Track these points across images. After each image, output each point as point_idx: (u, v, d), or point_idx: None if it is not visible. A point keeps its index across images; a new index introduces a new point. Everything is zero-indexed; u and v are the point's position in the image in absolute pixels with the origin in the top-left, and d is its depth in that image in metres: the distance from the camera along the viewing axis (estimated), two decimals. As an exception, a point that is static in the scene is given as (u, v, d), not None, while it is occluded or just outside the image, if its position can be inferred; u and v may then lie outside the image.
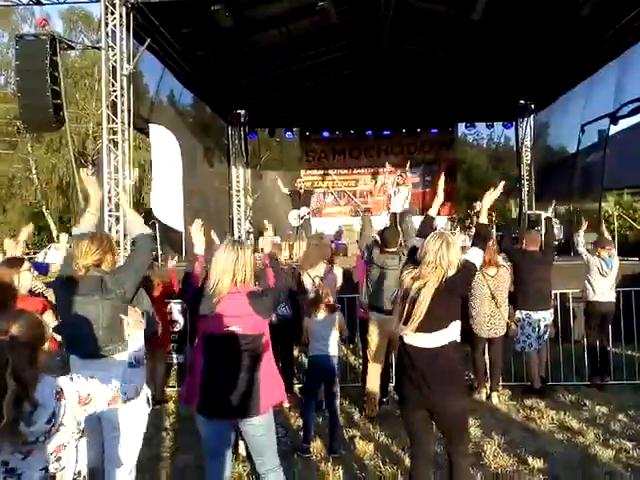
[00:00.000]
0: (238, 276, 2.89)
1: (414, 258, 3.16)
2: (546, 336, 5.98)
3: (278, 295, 3.10)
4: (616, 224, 12.49)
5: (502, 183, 3.51)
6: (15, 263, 3.78)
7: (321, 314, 4.63)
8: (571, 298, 6.92)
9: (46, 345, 1.94)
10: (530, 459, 4.15)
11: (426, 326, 2.94)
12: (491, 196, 3.37)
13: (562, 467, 4.05)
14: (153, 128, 9.79)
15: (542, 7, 9.25)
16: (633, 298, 6.47)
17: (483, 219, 3.34)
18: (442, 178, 3.67)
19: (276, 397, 3.04)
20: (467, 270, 3.07)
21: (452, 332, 3.01)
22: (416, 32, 12.01)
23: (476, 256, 3.12)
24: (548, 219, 6.68)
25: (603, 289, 6.18)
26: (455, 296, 3.07)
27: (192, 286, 3.06)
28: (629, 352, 6.56)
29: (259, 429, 2.95)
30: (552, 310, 6.05)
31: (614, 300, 6.26)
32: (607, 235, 6.79)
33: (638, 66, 10.34)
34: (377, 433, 4.80)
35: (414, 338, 3.00)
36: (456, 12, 10.10)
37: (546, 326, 5.93)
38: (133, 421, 2.93)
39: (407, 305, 2.98)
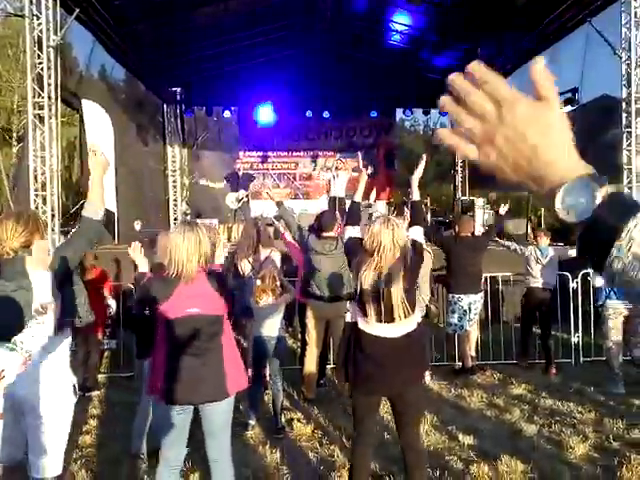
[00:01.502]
0: (202, 258, 2.86)
1: (358, 248, 3.12)
2: (476, 318, 6.21)
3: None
4: (543, 210, 13.07)
5: (424, 157, 3.55)
6: None
7: (268, 299, 4.59)
8: (500, 281, 7.22)
9: None
10: (460, 436, 4.32)
11: (393, 316, 2.92)
12: (418, 172, 3.43)
13: (491, 443, 4.23)
14: (86, 104, 9.34)
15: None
16: (557, 282, 6.81)
17: (416, 196, 3.40)
18: (361, 163, 3.80)
19: (241, 381, 3.01)
20: (419, 249, 3.11)
21: (417, 318, 3.04)
22: (357, 15, 12.03)
23: (419, 233, 3.19)
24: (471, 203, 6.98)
25: (541, 276, 6.41)
26: (415, 279, 3.06)
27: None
28: (554, 333, 6.90)
29: (221, 413, 2.93)
30: (482, 293, 6.28)
31: (552, 287, 6.46)
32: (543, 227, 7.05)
33: (568, 58, 10.79)
34: (315, 415, 4.85)
35: (379, 328, 2.95)
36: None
37: (476, 309, 6.16)
38: (58, 409, 2.80)
39: (374, 299, 2.91)
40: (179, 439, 2.96)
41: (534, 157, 0.69)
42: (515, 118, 0.70)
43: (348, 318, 3.03)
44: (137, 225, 5.96)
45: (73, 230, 3.24)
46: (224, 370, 2.87)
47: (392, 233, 2.90)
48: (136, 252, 3.24)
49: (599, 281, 5.58)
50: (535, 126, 0.69)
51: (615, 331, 5.55)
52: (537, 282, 6.41)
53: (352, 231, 3.26)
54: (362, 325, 2.99)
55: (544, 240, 6.44)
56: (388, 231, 2.91)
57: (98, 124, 9.51)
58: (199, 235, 2.87)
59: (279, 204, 5.53)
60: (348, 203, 3.59)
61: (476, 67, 0.73)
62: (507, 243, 6.77)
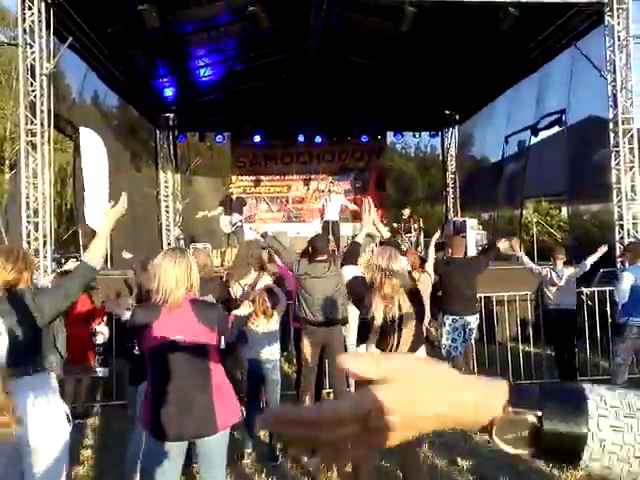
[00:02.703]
0: (190, 285, 2.80)
1: (361, 285, 3.13)
2: (472, 339, 6.20)
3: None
4: (535, 230, 13.17)
5: (369, 199, 3.63)
6: None
7: (261, 322, 4.57)
8: (495, 301, 7.22)
9: None
10: (460, 460, 4.27)
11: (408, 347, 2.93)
12: (372, 214, 3.53)
13: (490, 466, 4.19)
14: (83, 132, 9.38)
15: (465, 21, 9.65)
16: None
17: (384, 233, 3.59)
18: (367, 205, 3.69)
19: (232, 415, 2.87)
20: (411, 278, 3.14)
21: (423, 350, 3.06)
22: (347, 41, 12.21)
23: (403, 264, 3.21)
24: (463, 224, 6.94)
25: (558, 298, 6.39)
26: (419, 310, 3.06)
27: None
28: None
29: (214, 445, 2.82)
30: (477, 315, 6.27)
31: (571, 307, 6.44)
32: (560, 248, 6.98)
33: (556, 80, 11.00)
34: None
35: None
36: (386, 23, 10.35)
37: (471, 330, 6.15)
38: (54, 441, 2.75)
39: (387, 331, 2.92)
40: (171, 472, 2.85)
41: (445, 420, 0.63)
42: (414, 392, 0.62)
43: (350, 342, 2.98)
44: (126, 255, 5.93)
45: (67, 273, 3.19)
46: (213, 403, 2.74)
47: (387, 261, 2.95)
48: (112, 306, 3.18)
49: (623, 299, 5.52)
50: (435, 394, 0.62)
51: (628, 349, 5.51)
52: (555, 304, 6.40)
53: (354, 270, 3.26)
54: None
55: (560, 261, 6.45)
56: (383, 259, 2.96)
57: (95, 152, 9.55)
58: (189, 261, 2.82)
59: (264, 235, 5.46)
60: (344, 226, 3.61)
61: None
62: (526, 261, 6.70)
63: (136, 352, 3.47)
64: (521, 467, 4.17)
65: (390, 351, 2.91)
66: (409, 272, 3.19)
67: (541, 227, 14.70)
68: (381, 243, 3.48)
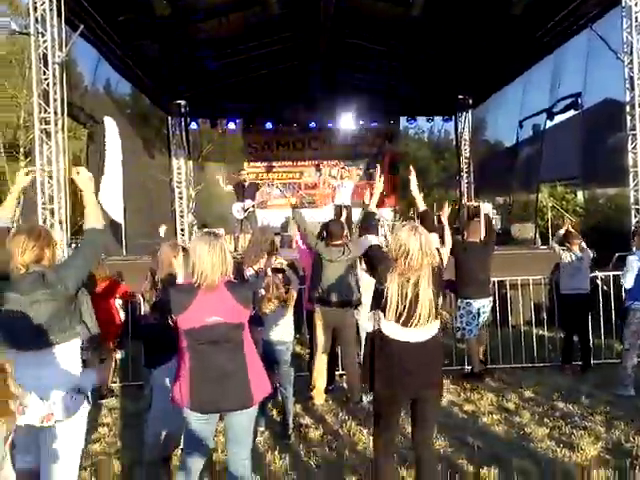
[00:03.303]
0: (225, 268, 2.88)
1: (381, 254, 3.13)
2: (485, 322, 6.20)
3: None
4: (550, 215, 13.05)
5: (411, 169, 3.68)
6: None
7: (273, 306, 4.60)
8: (508, 285, 7.21)
9: None
10: (470, 439, 4.30)
11: (419, 320, 2.93)
12: (413, 184, 3.56)
13: (501, 446, 4.21)
14: (108, 121, 9.57)
15: (476, 5, 9.52)
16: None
17: (421, 205, 3.48)
18: (379, 174, 3.75)
19: (266, 387, 3.03)
20: (440, 256, 3.13)
21: (437, 323, 3.05)
22: (358, 27, 12.11)
23: (435, 240, 3.21)
24: (486, 215, 6.89)
25: (574, 282, 6.34)
26: (438, 285, 3.05)
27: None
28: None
29: (246, 420, 2.96)
30: (491, 298, 6.27)
31: (587, 291, 6.40)
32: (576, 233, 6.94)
33: (571, 63, 10.85)
34: (324, 420, 4.84)
35: (406, 333, 2.95)
36: (397, 8, 10.25)
37: (485, 313, 6.15)
38: (71, 419, 2.82)
39: (401, 304, 2.91)
40: (202, 447, 2.99)
41: None
42: None
43: (363, 326, 2.99)
44: (162, 231, 5.95)
45: (78, 244, 3.28)
46: (248, 377, 2.89)
47: (420, 239, 2.90)
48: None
49: (629, 283, 5.52)
50: None
51: (635, 333, 5.50)
52: (570, 288, 6.38)
53: (373, 239, 3.26)
54: (387, 331, 2.99)
55: (576, 245, 6.41)
56: (416, 238, 2.91)
57: (114, 141, 9.74)
58: (223, 245, 2.92)
59: (294, 208, 5.55)
60: (356, 211, 3.64)
61: None
62: (554, 245, 6.67)
63: (159, 331, 3.53)
64: (532, 446, 4.20)
65: (404, 325, 2.93)
66: (437, 249, 3.16)
67: (556, 212, 14.57)
68: (419, 216, 3.45)
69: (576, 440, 4.26)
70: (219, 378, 2.85)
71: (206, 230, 3.13)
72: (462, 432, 4.46)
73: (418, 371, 2.97)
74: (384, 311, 2.98)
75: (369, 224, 3.46)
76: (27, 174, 3.18)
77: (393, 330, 2.98)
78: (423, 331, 2.97)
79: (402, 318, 2.93)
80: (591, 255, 6.46)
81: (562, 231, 6.73)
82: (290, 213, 14.39)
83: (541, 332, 7.14)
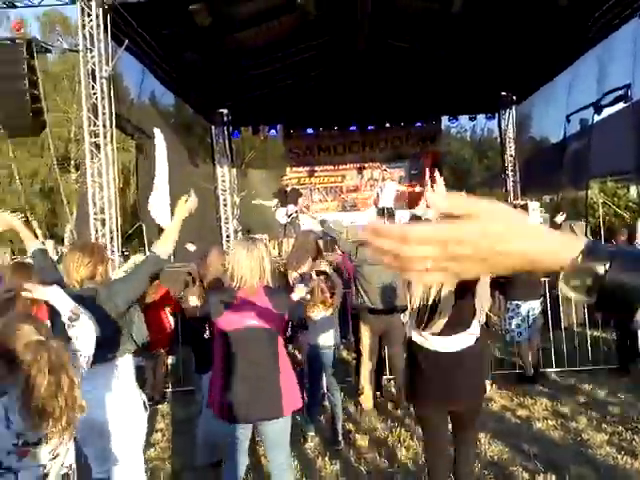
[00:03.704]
0: (264, 274, 2.90)
1: None
2: (536, 325, 6.03)
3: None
4: (601, 211, 12.61)
5: (436, 173, 3.57)
6: (27, 266, 3.63)
7: (320, 311, 4.61)
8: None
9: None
10: (525, 445, 4.19)
11: (449, 329, 2.80)
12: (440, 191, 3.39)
13: (557, 452, 4.08)
14: (157, 133, 9.86)
15: (520, -1, 9.31)
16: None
17: None
18: (429, 178, 3.64)
19: (296, 400, 3.01)
20: None
21: (474, 330, 2.91)
22: (397, 27, 12.02)
23: None
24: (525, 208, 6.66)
25: None
26: (468, 291, 2.90)
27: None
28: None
29: (278, 430, 2.95)
30: (541, 299, 6.10)
31: None
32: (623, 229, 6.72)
33: (618, 54, 10.45)
34: (372, 426, 4.81)
35: (435, 342, 2.83)
36: (436, 6, 10.13)
37: (535, 315, 5.98)
38: (132, 426, 2.89)
39: (423, 308, 2.81)
40: (239, 452, 3.00)
41: (522, 258, 0.69)
42: (499, 229, 0.68)
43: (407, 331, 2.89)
44: (190, 247, 6.10)
45: (135, 263, 3.34)
46: (280, 388, 2.88)
47: None
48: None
49: None
50: (515, 236, 0.68)
51: None
52: None
53: None
54: (418, 339, 2.90)
55: (621, 241, 6.20)
56: None
57: (162, 152, 10.02)
58: (261, 251, 2.93)
59: (322, 223, 5.51)
60: (398, 213, 3.57)
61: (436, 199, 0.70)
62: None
63: (206, 337, 3.60)
64: (590, 453, 4.05)
65: (425, 329, 2.83)
66: None
67: (607, 208, 14.06)
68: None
69: (638, 446, 4.09)
70: (251, 387, 2.83)
71: (247, 236, 3.17)
72: (516, 438, 4.35)
73: (450, 384, 2.81)
74: (414, 318, 2.89)
75: None
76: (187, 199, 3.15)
77: (419, 338, 2.88)
78: (452, 340, 2.82)
79: (423, 324, 2.82)
80: None
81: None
82: (334, 216, 14.42)
83: (595, 333, 6.90)
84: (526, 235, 0.68)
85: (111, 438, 2.82)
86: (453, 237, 0.67)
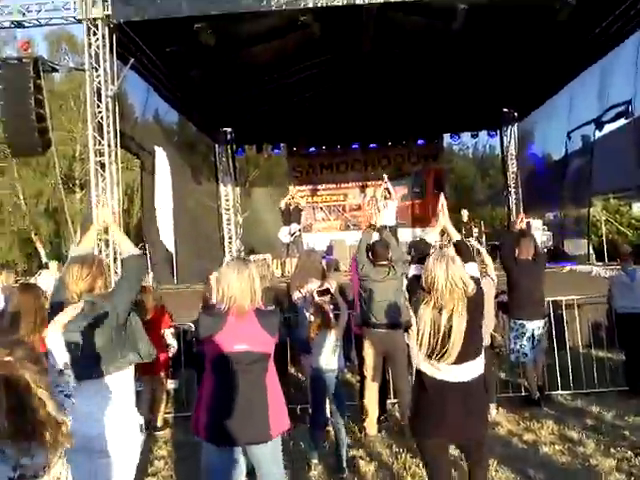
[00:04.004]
0: (255, 295, 2.88)
1: (417, 286, 2.93)
2: (541, 345, 5.96)
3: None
4: (604, 229, 12.58)
5: (442, 196, 3.53)
6: (34, 288, 3.61)
7: (323, 332, 4.58)
8: (564, 305, 6.93)
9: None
10: (532, 471, 4.12)
11: (461, 357, 2.74)
12: (444, 215, 3.36)
13: (564, 478, 4.02)
14: (159, 151, 9.89)
15: (520, 15, 9.36)
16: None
17: (455, 236, 3.29)
18: (441, 203, 3.45)
19: (284, 423, 2.98)
20: (479, 286, 2.89)
21: (481, 361, 2.86)
22: (399, 44, 12.11)
23: (473, 269, 3.04)
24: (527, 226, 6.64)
25: (630, 301, 6.10)
26: (479, 317, 2.86)
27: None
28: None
29: (267, 453, 2.91)
30: (546, 319, 6.03)
31: None
32: (626, 246, 6.72)
33: (619, 69, 10.49)
34: (377, 452, 4.73)
35: (449, 372, 2.77)
36: (437, 23, 10.20)
37: (540, 335, 5.91)
38: (126, 447, 2.84)
39: (434, 338, 2.72)
40: (227, 476, 2.94)
41: None
42: None
43: (414, 352, 2.85)
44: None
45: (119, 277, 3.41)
46: (268, 411, 2.85)
47: (447, 269, 2.71)
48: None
49: None
50: None
51: None
52: (627, 307, 6.10)
53: (413, 269, 3.14)
54: (428, 370, 2.82)
55: (630, 262, 6.14)
56: (442, 265, 2.73)
57: (164, 171, 10.07)
58: (252, 272, 2.91)
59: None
60: (401, 232, 3.53)
61: None
62: (585, 268, 6.46)
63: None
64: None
65: (437, 359, 2.76)
66: (477, 279, 2.99)
67: (610, 226, 14.03)
68: (454, 245, 3.29)
69: (647, 473, 4.01)
70: (238, 410, 2.80)
71: (235, 257, 3.18)
72: (523, 463, 4.27)
73: (457, 416, 2.74)
74: (419, 346, 2.80)
75: (417, 254, 3.30)
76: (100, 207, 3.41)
77: (427, 367, 2.81)
78: (463, 369, 2.76)
79: (434, 354, 2.73)
80: None
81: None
82: (336, 236, 14.40)
83: (601, 354, 6.81)
84: None
85: (102, 457, 2.76)
86: None
